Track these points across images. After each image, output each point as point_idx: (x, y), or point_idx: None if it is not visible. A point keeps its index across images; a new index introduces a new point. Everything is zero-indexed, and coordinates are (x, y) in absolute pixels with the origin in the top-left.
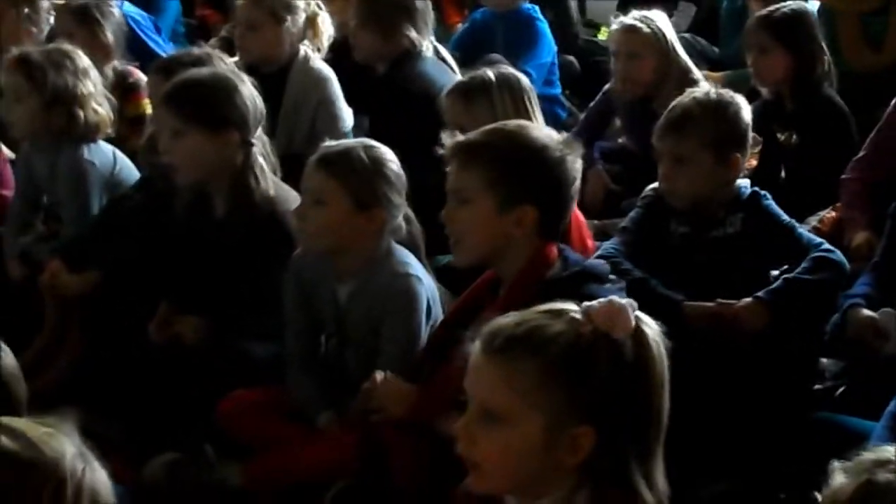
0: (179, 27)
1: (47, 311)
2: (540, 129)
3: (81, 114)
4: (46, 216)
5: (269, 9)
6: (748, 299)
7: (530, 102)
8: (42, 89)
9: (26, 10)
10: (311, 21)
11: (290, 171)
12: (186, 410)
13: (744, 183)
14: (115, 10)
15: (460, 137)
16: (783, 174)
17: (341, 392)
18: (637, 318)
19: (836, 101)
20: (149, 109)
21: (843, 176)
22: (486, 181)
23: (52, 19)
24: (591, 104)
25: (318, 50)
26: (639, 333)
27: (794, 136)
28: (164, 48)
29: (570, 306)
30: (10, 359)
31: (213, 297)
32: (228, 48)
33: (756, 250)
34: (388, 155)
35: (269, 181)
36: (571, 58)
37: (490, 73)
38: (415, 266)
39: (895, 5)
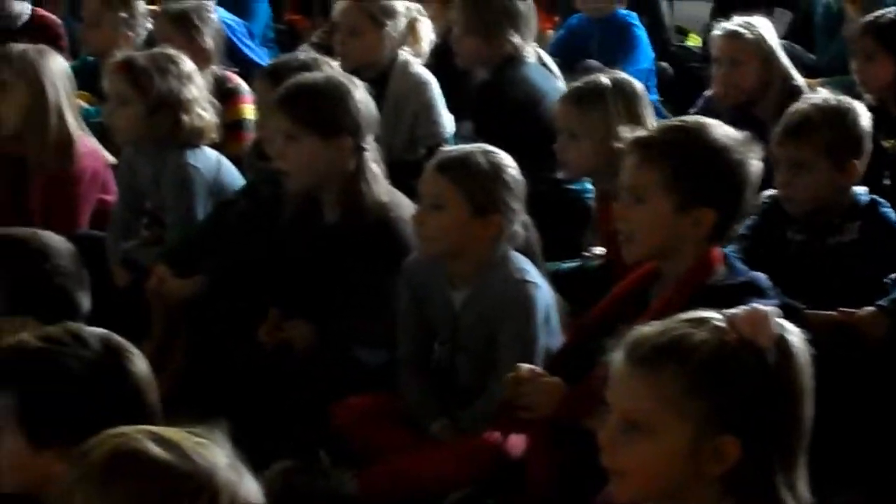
0: (269, 32)
1: (154, 317)
2: (720, 128)
3: (186, 119)
4: (149, 221)
5: (369, 13)
6: (869, 308)
7: (644, 109)
8: (147, 94)
9: (123, 13)
10: (412, 26)
11: (392, 177)
12: (299, 417)
13: (861, 190)
14: (214, 16)
15: (640, 133)
16: (888, 181)
17: (453, 400)
18: (781, 325)
19: None
20: (247, 115)
21: None
22: (666, 181)
23: (148, 24)
24: (691, 110)
25: (419, 55)
26: (783, 341)
27: None
28: (259, 54)
29: (714, 314)
30: (142, 365)
31: (322, 303)
32: (320, 53)
33: (873, 258)
34: (508, 160)
35: (382, 187)
36: (665, 64)
37: (604, 79)
38: (532, 273)
39: None
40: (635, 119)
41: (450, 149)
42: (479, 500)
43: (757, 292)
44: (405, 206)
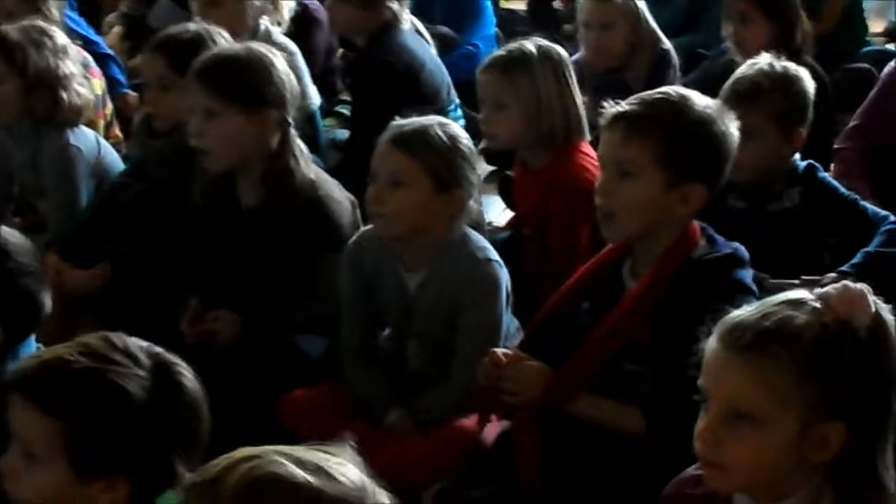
0: (72, 2)
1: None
2: (701, 98)
3: (65, 96)
4: (18, 207)
5: None
6: (831, 275)
7: (570, 76)
8: (23, 71)
9: None
10: None
11: None
12: (242, 415)
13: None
14: None
15: (624, 107)
16: None
17: (402, 389)
18: (876, 302)
19: (817, 69)
20: (98, 90)
21: (837, 145)
22: (656, 156)
23: None
24: None
25: (279, 24)
26: (878, 319)
27: None
28: (82, 25)
29: (806, 295)
30: (194, 380)
31: (248, 291)
32: (130, 24)
33: (814, 224)
34: (461, 131)
35: (310, 163)
36: (497, 29)
37: (529, 46)
38: (493, 251)
39: None
40: (564, 87)
41: (402, 122)
42: (459, 492)
43: (740, 263)
44: (331, 183)
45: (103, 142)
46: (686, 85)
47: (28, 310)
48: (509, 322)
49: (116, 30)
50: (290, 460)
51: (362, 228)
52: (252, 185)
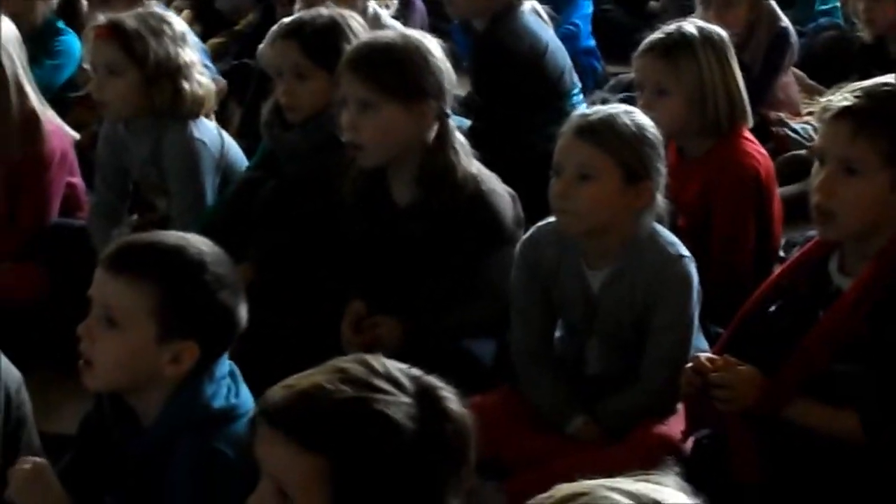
0: None
1: None
2: None
3: (187, 86)
4: (133, 204)
5: None
6: None
7: (732, 58)
8: (143, 62)
9: None
10: None
11: None
12: None
13: None
14: None
15: (849, 100)
16: None
17: (581, 392)
18: None
19: None
20: None
21: None
22: (886, 154)
23: None
24: None
25: (387, 6)
26: None
27: None
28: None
29: None
30: (460, 406)
31: (409, 293)
32: (198, 8)
33: None
34: (647, 119)
35: (470, 157)
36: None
37: (689, 28)
38: (683, 247)
39: None
40: (727, 70)
41: (585, 111)
42: None
43: None
44: (492, 177)
45: (225, 134)
46: None
47: (225, 325)
48: None
49: (185, 14)
50: (621, 494)
51: (541, 222)
52: (408, 182)
